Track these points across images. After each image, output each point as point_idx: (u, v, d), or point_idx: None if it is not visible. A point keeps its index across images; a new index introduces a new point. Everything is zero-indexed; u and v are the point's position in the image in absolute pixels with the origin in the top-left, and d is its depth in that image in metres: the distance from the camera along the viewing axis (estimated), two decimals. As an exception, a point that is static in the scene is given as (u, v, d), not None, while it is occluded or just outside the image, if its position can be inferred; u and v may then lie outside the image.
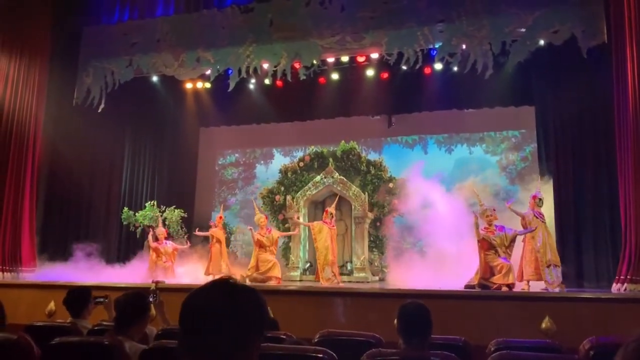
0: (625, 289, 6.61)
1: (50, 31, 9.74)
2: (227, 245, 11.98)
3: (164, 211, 10.70)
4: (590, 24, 7.45)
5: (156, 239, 9.62)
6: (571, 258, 8.38)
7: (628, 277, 6.65)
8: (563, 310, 5.85)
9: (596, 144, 8.69)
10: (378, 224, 10.43)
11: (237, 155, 14.33)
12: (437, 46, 8.41)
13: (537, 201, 7.61)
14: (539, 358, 2.92)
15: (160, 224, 10.01)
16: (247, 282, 8.45)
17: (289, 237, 10.46)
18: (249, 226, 9.43)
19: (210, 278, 9.18)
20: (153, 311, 5.28)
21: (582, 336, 3.16)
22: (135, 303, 3.23)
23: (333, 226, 8.95)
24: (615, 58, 7.29)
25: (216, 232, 9.70)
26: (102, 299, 4.37)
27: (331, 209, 9.08)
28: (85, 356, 2.83)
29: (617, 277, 6.87)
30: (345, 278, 9.60)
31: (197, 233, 10.00)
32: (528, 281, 7.34)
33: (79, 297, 4.23)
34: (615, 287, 6.81)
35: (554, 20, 7.60)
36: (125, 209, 10.92)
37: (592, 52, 7.46)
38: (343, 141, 11.14)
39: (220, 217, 10.01)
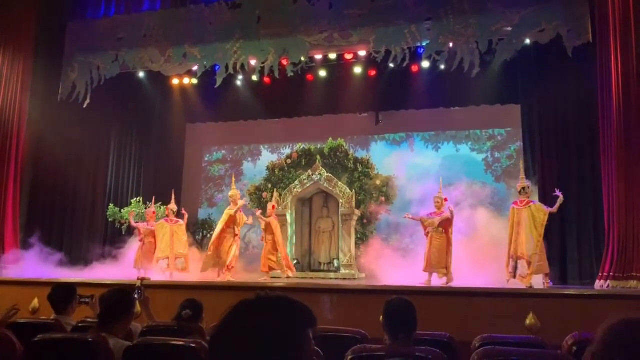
0: (608, 286, 6.70)
1: (35, 25, 9.62)
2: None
3: (148, 207, 10.61)
4: (575, 23, 7.53)
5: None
6: (555, 255, 8.46)
7: (611, 274, 6.74)
8: (547, 306, 5.91)
9: (581, 143, 8.79)
10: (365, 221, 10.45)
11: (224, 152, 14.27)
12: (424, 44, 8.44)
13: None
14: (523, 354, 2.94)
15: (153, 205, 9.84)
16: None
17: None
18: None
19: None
20: (138, 308, 5.25)
21: (566, 332, 3.20)
22: (120, 299, 3.21)
23: (231, 206, 9.08)
24: (600, 57, 7.38)
25: (157, 225, 9.45)
26: (87, 299, 4.31)
27: (274, 201, 9.41)
28: (69, 353, 2.81)
29: (600, 274, 6.96)
30: (332, 275, 9.63)
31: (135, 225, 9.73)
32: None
33: (64, 294, 4.18)
34: (598, 284, 6.90)
35: (540, 20, 7.67)
36: (111, 205, 10.82)
37: (578, 52, 7.54)
38: (330, 138, 11.14)
39: (154, 212, 9.73)
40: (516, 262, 7.15)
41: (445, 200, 8.10)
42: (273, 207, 9.19)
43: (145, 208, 10.61)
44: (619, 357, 1.10)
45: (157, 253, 9.10)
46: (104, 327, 3.07)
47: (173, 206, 9.63)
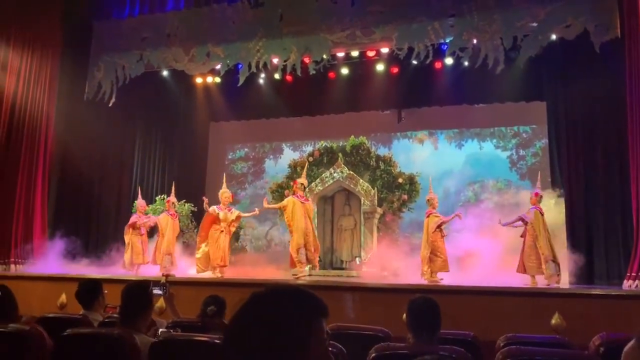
0: (636, 286, 6.56)
1: (61, 26, 9.81)
2: (237, 239, 11.93)
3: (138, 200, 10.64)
4: (603, 18, 7.38)
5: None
6: (582, 255, 8.30)
7: (639, 274, 6.60)
8: (573, 306, 5.83)
9: (608, 140, 8.60)
10: (387, 218, 10.40)
11: (246, 149, 14.36)
12: (447, 41, 8.36)
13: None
14: (548, 353, 2.91)
15: (140, 196, 9.67)
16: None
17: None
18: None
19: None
20: (163, 304, 5.32)
21: (592, 332, 3.15)
22: (139, 294, 3.21)
23: (307, 200, 8.55)
24: (629, 53, 7.22)
25: (161, 219, 9.08)
26: (159, 290, 4.30)
27: (302, 179, 8.81)
28: (96, 347, 2.86)
29: (628, 274, 6.82)
30: (354, 273, 9.61)
31: (141, 218, 9.52)
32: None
33: (90, 290, 4.25)
34: (626, 284, 6.77)
35: (567, 15, 7.53)
36: (136, 202, 10.96)
37: (605, 47, 7.38)
38: (352, 136, 11.11)
39: (168, 201, 9.31)
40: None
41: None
42: (295, 182, 8.75)
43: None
44: None
45: (164, 248, 8.78)
46: (125, 322, 3.08)
47: (174, 199, 9.41)
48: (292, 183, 8.66)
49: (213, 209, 8.63)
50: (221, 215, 8.61)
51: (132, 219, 9.42)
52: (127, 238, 9.24)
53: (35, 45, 9.56)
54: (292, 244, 8.27)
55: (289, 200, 8.49)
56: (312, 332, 1.24)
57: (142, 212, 9.47)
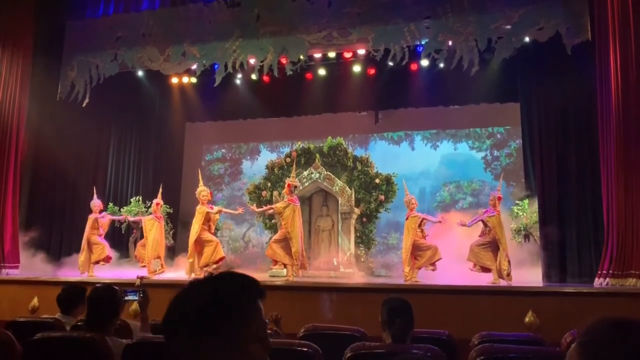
0: (607, 284, 6.71)
1: (34, 24, 9.61)
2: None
3: (150, 207, 10.59)
4: (574, 21, 7.53)
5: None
6: (555, 253, 8.47)
7: (610, 271, 6.75)
8: (546, 304, 5.93)
9: (580, 141, 8.78)
10: (364, 219, 10.44)
11: (223, 150, 14.28)
12: (423, 42, 8.44)
13: None
14: (521, 351, 2.95)
15: (96, 196, 9.47)
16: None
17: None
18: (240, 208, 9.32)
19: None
20: (137, 307, 5.23)
21: (565, 330, 3.21)
22: (109, 297, 3.13)
23: (298, 203, 8.43)
24: (599, 55, 7.38)
25: (146, 222, 8.92)
26: (133, 296, 4.20)
27: (294, 180, 8.67)
28: (68, 351, 2.80)
29: (599, 272, 6.97)
30: (331, 273, 9.62)
31: (130, 219, 9.62)
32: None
33: (72, 295, 4.17)
34: (597, 282, 6.91)
35: (539, 17, 7.67)
36: (110, 204, 10.80)
37: (577, 50, 7.54)
38: (330, 137, 11.12)
39: (158, 204, 9.14)
40: None
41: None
42: (289, 185, 8.52)
43: (145, 207, 10.60)
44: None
45: (151, 252, 8.66)
46: (94, 327, 2.99)
47: (162, 201, 9.29)
48: (287, 185, 8.57)
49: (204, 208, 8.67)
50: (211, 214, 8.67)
51: (100, 217, 9.23)
52: (88, 238, 8.98)
53: (6, 43, 9.34)
54: (294, 249, 8.08)
55: (287, 208, 8.24)
56: (250, 312, 1.28)
57: (97, 212, 9.25)
